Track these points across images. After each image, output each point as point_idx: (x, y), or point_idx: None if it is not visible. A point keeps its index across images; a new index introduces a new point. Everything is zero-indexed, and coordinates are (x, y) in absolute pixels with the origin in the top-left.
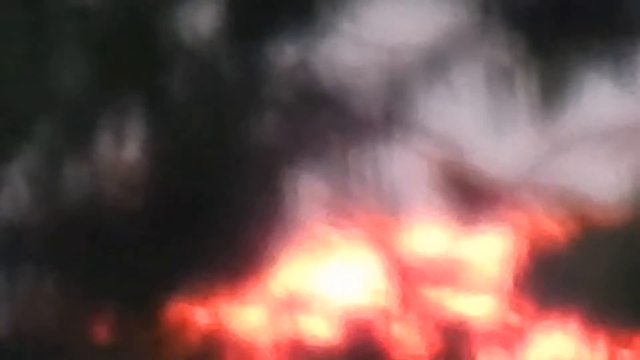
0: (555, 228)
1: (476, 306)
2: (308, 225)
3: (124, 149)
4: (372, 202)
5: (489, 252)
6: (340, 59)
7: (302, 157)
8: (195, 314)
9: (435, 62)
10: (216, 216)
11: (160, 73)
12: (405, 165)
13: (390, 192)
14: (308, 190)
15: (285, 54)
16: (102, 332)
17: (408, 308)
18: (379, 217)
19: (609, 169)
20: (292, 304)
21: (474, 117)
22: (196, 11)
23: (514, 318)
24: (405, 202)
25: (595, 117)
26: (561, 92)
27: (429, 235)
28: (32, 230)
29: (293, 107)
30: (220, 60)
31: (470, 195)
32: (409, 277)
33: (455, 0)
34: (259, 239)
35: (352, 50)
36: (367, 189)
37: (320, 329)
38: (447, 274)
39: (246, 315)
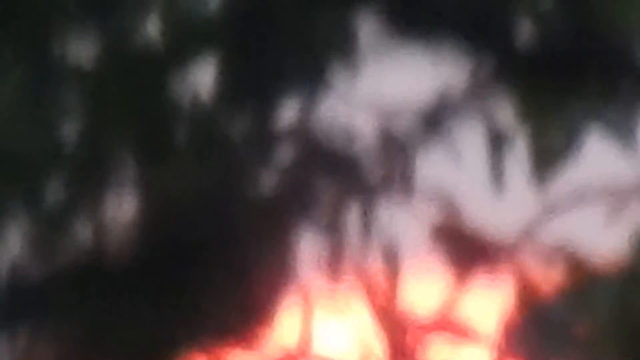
0: (551, 286)
1: None
2: (306, 282)
3: (125, 203)
4: (370, 261)
5: (484, 308)
6: (339, 120)
7: (301, 215)
8: None
9: (433, 122)
10: (216, 271)
11: (162, 129)
12: (403, 224)
13: (389, 250)
14: (307, 248)
15: (285, 114)
16: None
17: None
18: (377, 275)
19: (608, 228)
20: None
21: (473, 176)
22: (195, 73)
23: None
24: (403, 260)
25: (594, 176)
26: (560, 151)
27: (426, 292)
28: (31, 287)
29: (292, 167)
30: (221, 119)
31: (467, 253)
32: (405, 333)
33: (452, 60)
34: (258, 294)
35: (351, 111)
36: (366, 248)
37: None
38: (444, 330)
39: None
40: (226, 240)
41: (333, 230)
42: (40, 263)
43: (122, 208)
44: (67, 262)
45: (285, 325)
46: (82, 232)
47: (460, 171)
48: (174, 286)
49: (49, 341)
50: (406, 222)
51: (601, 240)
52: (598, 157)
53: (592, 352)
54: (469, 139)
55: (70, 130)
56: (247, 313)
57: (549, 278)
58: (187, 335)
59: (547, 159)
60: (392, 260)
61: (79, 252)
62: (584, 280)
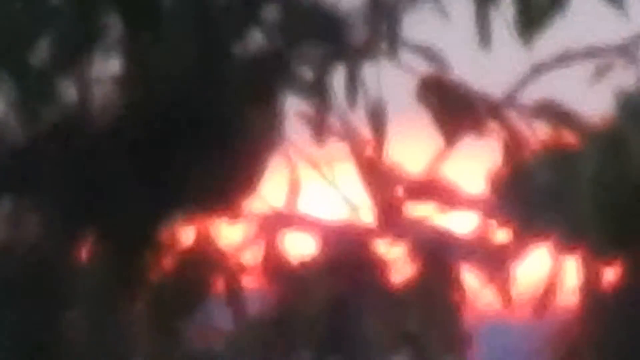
0: (536, 144)
1: (458, 222)
2: (293, 143)
3: (110, 66)
4: (356, 120)
5: (470, 167)
6: None
7: (287, 75)
8: (181, 232)
9: None
10: (202, 134)
11: None
12: (390, 82)
13: (376, 107)
14: (293, 108)
15: None
16: (86, 253)
17: (391, 224)
18: (364, 134)
19: (592, 88)
20: (277, 221)
21: (459, 34)
22: None
23: (496, 233)
24: (390, 118)
25: (580, 36)
26: (546, 10)
27: (413, 150)
28: (15, 150)
29: (280, 26)
30: None
31: (453, 110)
32: (391, 193)
33: None
34: (246, 156)
35: None
36: (352, 107)
37: (304, 246)
38: (430, 189)
39: (231, 232)
40: (211, 102)
41: (319, 90)
42: (25, 125)
43: (107, 71)
44: (52, 124)
45: (271, 187)
46: (67, 94)
47: (448, 30)
48: (159, 151)
49: (33, 207)
50: (393, 81)
51: (586, 100)
52: (585, 16)
53: (576, 210)
54: None
55: None
56: (233, 177)
57: (535, 136)
58: (174, 204)
59: (533, 17)
60: (378, 119)
61: (64, 114)
62: (568, 139)
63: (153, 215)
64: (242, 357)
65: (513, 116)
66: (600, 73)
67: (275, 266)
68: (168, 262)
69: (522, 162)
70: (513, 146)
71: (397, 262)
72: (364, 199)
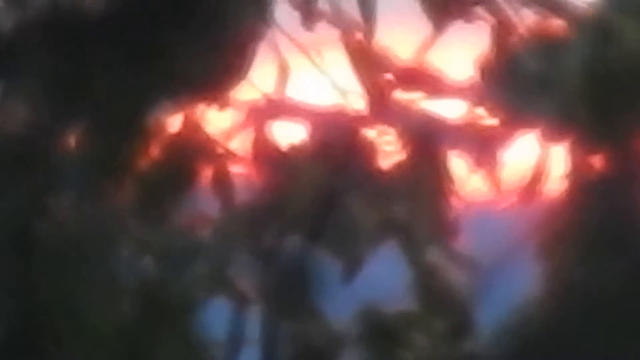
0: (525, 32)
1: (446, 108)
2: (282, 28)
3: None
4: (347, 4)
5: (460, 54)
6: None
7: None
8: (170, 120)
9: None
10: (190, 20)
11: None
12: None
13: None
14: None
15: None
16: (74, 140)
17: (380, 110)
18: (353, 20)
19: None
20: (265, 108)
21: None
22: None
23: (484, 120)
24: (380, 2)
25: None
26: None
27: (402, 36)
28: (4, 40)
29: None
30: None
31: None
32: (381, 79)
33: None
34: (234, 42)
35: None
36: None
37: (293, 132)
38: (419, 76)
39: (221, 119)
40: None
41: None
42: (14, 13)
43: None
44: (41, 12)
45: (260, 73)
46: None
47: None
48: (146, 38)
49: (22, 96)
50: None
51: None
52: None
53: (564, 99)
54: None
55: None
56: (222, 63)
57: (523, 23)
58: (162, 91)
59: None
60: (368, 5)
61: (52, 1)
62: (557, 27)
63: (141, 103)
64: (230, 244)
65: (502, 3)
66: None
67: (263, 153)
68: (156, 150)
69: (510, 49)
70: (501, 33)
71: (386, 148)
72: (354, 85)
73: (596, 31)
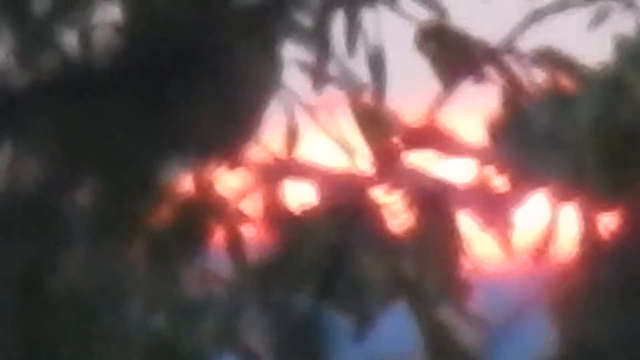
0: (536, 91)
1: (456, 169)
2: (292, 90)
3: (110, 11)
4: (356, 66)
5: (470, 114)
6: None
7: (286, 22)
8: (181, 179)
9: None
10: (202, 81)
11: None
12: (389, 28)
13: (375, 55)
14: (293, 54)
15: None
16: (85, 199)
17: (389, 172)
18: (363, 81)
19: (591, 34)
20: (275, 169)
21: None
22: None
23: (494, 180)
24: (390, 64)
25: None
26: None
27: (412, 97)
28: (15, 96)
29: None
30: None
31: (453, 57)
32: (390, 141)
33: None
34: (245, 104)
35: None
36: (351, 53)
37: (303, 193)
38: (428, 137)
39: (232, 180)
40: (212, 50)
41: (318, 37)
42: (25, 71)
43: (107, 15)
44: (52, 69)
45: (270, 135)
46: (67, 39)
47: None
48: (159, 98)
49: (32, 152)
50: (392, 28)
51: (585, 46)
52: None
53: (574, 157)
54: None
55: None
56: (233, 124)
57: (534, 82)
58: (173, 151)
59: None
60: (377, 67)
61: (64, 59)
62: (567, 85)
63: (153, 162)
64: (240, 300)
65: (512, 63)
66: (599, 18)
67: (274, 214)
68: (167, 209)
69: (520, 108)
70: (511, 93)
71: (395, 209)
72: (363, 147)
73: (606, 87)
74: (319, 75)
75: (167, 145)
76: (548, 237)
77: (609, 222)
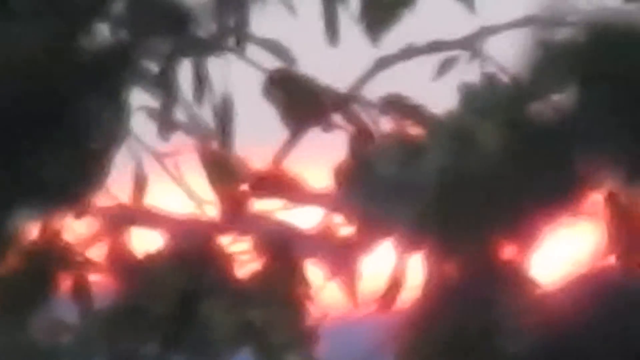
0: (382, 138)
1: (303, 216)
2: (139, 137)
3: None
4: (204, 113)
5: (317, 162)
6: None
7: (132, 69)
8: (27, 227)
9: None
10: (49, 129)
11: None
12: (237, 77)
13: (222, 102)
14: (140, 102)
15: None
16: None
17: (235, 219)
18: (210, 129)
19: (437, 82)
20: (122, 216)
21: (307, 28)
22: None
23: (341, 228)
24: (237, 112)
25: (426, 31)
26: (395, 4)
27: (259, 146)
28: None
29: (125, 19)
30: None
31: (300, 104)
32: (236, 188)
33: None
34: (92, 151)
35: None
36: (199, 100)
37: (150, 240)
38: (275, 184)
39: (77, 227)
40: (57, 96)
41: (165, 84)
42: None
43: None
44: None
45: (117, 182)
46: None
47: (295, 23)
48: (7, 150)
49: None
50: (240, 75)
51: (431, 94)
52: (431, 12)
53: (421, 206)
54: None
55: None
56: (80, 171)
57: (380, 130)
58: (19, 199)
59: (380, 13)
60: (224, 114)
61: None
62: (414, 134)
63: (1, 211)
64: (88, 351)
65: (359, 110)
66: (445, 67)
67: (121, 261)
68: (15, 257)
69: (367, 156)
70: (358, 140)
71: (243, 257)
72: (210, 194)
73: (452, 136)
74: (166, 123)
75: (15, 193)
76: (394, 284)
77: (453, 271)
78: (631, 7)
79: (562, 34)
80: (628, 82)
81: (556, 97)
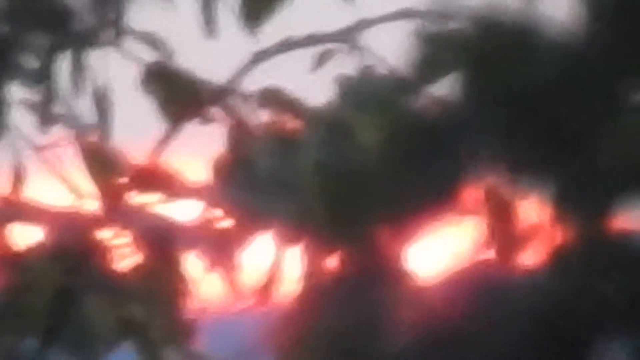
0: (260, 131)
1: (182, 210)
2: (18, 131)
3: None
4: (82, 106)
5: (195, 155)
6: None
7: (11, 63)
8: None
9: None
10: None
11: None
12: (115, 69)
13: (101, 95)
14: (18, 96)
15: None
16: None
17: (114, 213)
18: (89, 122)
19: (314, 75)
20: (2, 210)
21: (185, 21)
22: None
23: (220, 221)
24: (115, 105)
25: (303, 24)
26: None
27: (138, 139)
28: None
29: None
30: None
31: (178, 97)
32: (115, 181)
33: None
34: None
35: None
36: (78, 93)
37: (30, 234)
38: (153, 178)
39: None
40: None
41: (44, 78)
42: None
43: None
44: None
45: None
46: None
47: (173, 17)
48: None
49: None
50: (118, 68)
51: (308, 87)
52: (308, 5)
53: (299, 199)
54: None
55: None
56: None
57: (259, 123)
58: None
59: (258, 6)
60: (103, 107)
61: None
62: (292, 127)
63: None
64: None
65: (237, 103)
66: (322, 60)
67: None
68: None
69: (245, 149)
70: (236, 134)
71: (122, 250)
72: (89, 187)
73: (329, 129)
74: (45, 116)
75: None
76: (272, 277)
77: (332, 264)
78: (517, 1)
79: (446, 28)
80: (512, 77)
81: (438, 91)
